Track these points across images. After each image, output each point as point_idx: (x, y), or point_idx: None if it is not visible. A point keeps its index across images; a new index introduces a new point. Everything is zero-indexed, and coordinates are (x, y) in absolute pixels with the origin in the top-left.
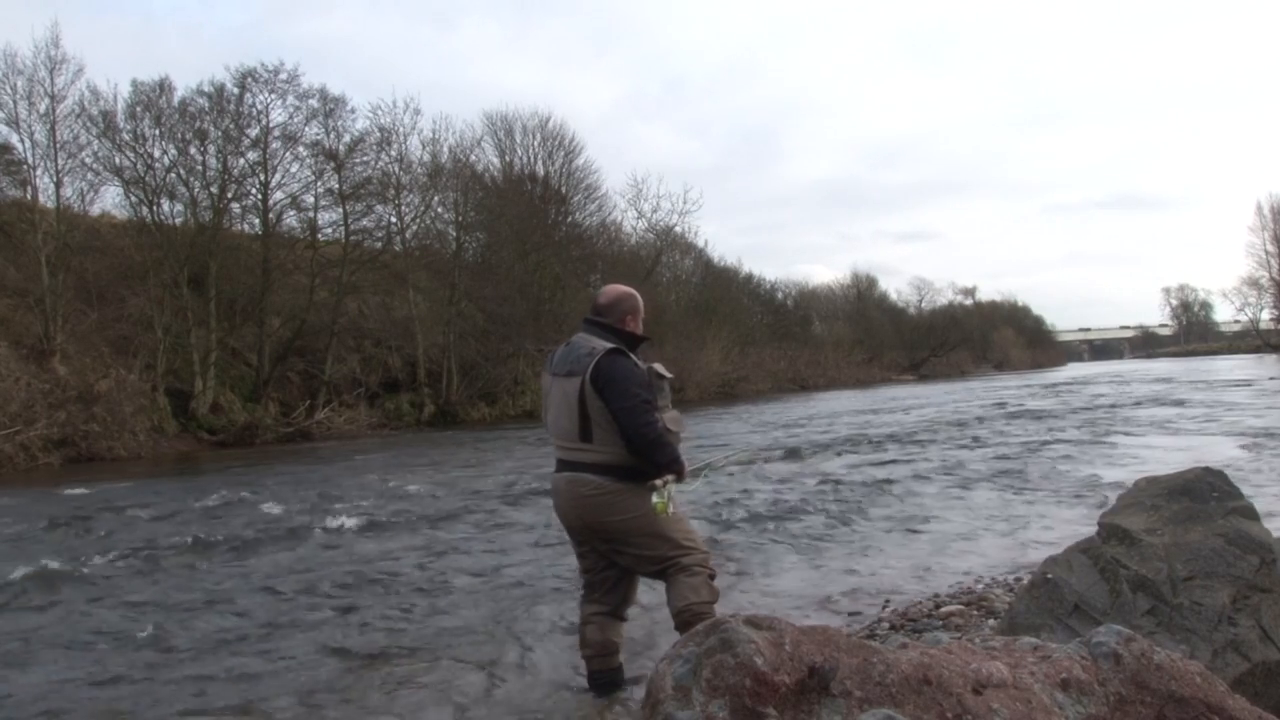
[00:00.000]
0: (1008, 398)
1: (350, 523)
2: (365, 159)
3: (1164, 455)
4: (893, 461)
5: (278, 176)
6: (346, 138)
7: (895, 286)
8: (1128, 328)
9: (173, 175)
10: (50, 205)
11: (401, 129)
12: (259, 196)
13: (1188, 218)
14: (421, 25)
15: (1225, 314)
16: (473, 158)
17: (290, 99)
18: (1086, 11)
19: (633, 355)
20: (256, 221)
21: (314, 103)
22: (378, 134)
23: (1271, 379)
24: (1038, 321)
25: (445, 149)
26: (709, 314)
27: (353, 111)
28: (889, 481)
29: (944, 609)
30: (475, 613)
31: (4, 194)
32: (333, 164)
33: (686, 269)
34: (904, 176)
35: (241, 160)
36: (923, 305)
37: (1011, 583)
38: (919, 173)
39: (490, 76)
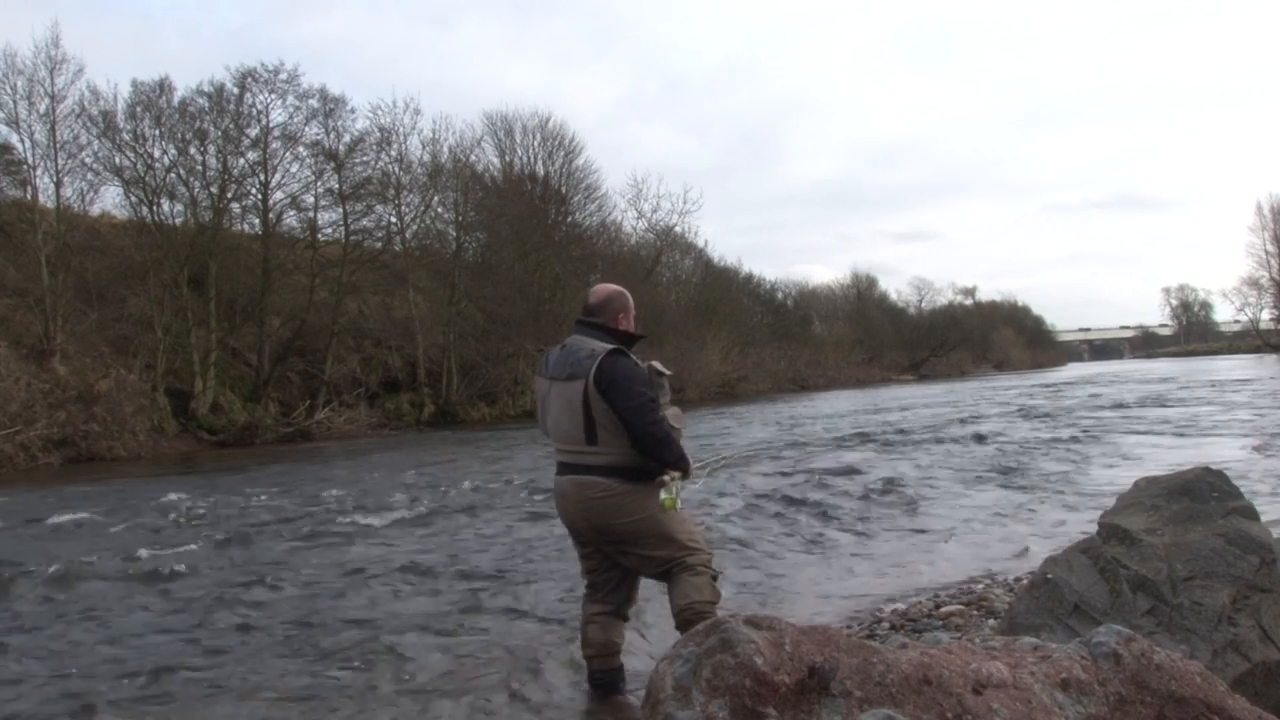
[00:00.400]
0: (1008, 398)
1: (349, 522)
2: (365, 159)
3: (1164, 455)
4: (893, 461)
5: (278, 176)
6: (346, 138)
7: (895, 286)
8: (1128, 328)
9: (173, 175)
10: (50, 205)
11: (401, 129)
12: (259, 196)
13: (1188, 218)
14: (420, 26)
15: (1225, 314)
16: (473, 158)
17: (290, 99)
18: (1086, 12)
19: (631, 355)
20: (256, 221)
21: (314, 103)
22: (378, 134)
23: (1272, 379)
24: (1038, 321)
25: (445, 149)
26: (709, 314)
27: (353, 111)
28: (889, 481)
29: (944, 609)
30: (475, 612)
31: (4, 194)
32: (333, 164)
33: (686, 269)
34: (903, 177)
35: (241, 160)
36: (923, 305)
37: (1011, 583)
38: (918, 173)
39: (489, 77)
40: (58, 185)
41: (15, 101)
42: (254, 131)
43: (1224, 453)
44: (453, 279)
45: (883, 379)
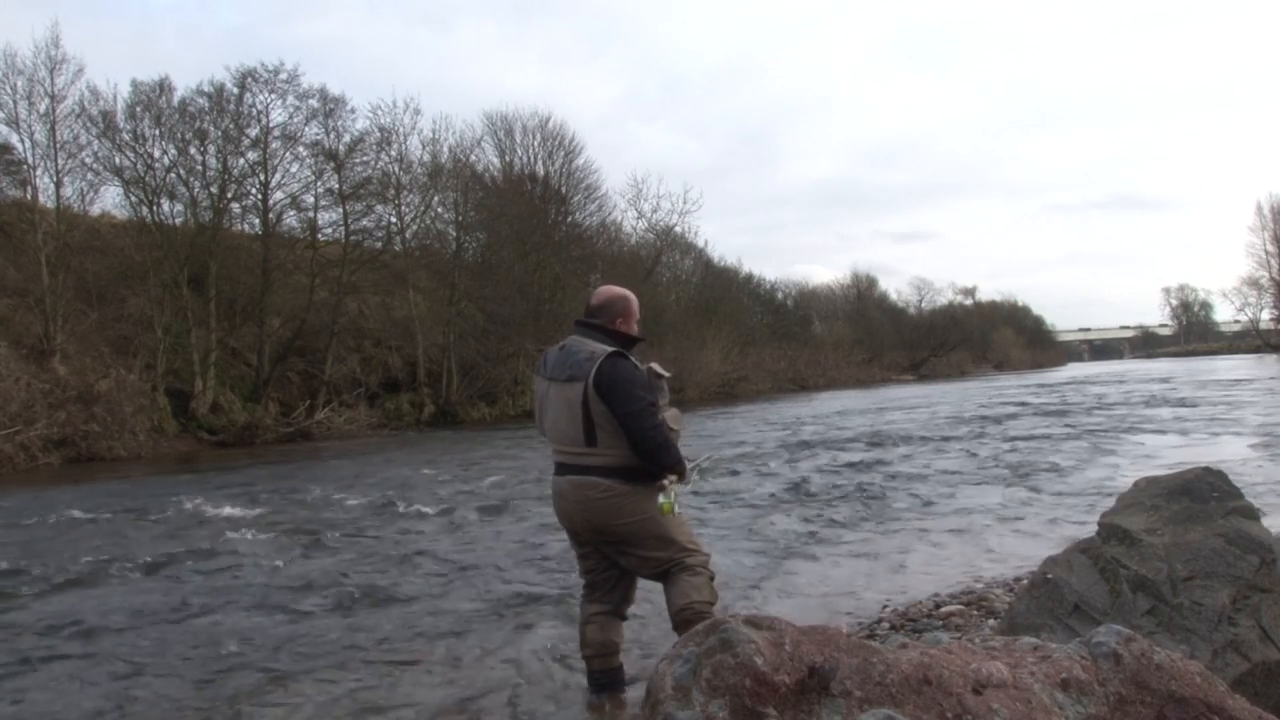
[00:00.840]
0: (1008, 398)
1: (348, 522)
2: (365, 159)
3: (1164, 455)
4: (892, 461)
5: (278, 176)
6: (346, 138)
7: (895, 286)
8: (1128, 328)
9: (173, 175)
10: (50, 205)
11: (401, 129)
12: (259, 196)
13: (1187, 218)
14: (418, 27)
15: (1225, 314)
16: (473, 158)
17: (290, 99)
18: (1085, 12)
19: (630, 357)
20: (256, 221)
21: (314, 103)
22: (378, 134)
23: (1271, 379)
24: (1038, 321)
25: (445, 149)
26: (709, 314)
27: (353, 111)
28: (888, 481)
29: (944, 609)
30: (474, 613)
31: (4, 194)
32: (333, 164)
33: (686, 269)
34: (903, 177)
35: (241, 160)
36: (923, 305)
37: (1011, 583)
38: (917, 173)
39: (488, 77)
40: (58, 185)
41: (15, 101)
42: (254, 131)
43: (1224, 452)
44: (453, 279)
45: (883, 379)
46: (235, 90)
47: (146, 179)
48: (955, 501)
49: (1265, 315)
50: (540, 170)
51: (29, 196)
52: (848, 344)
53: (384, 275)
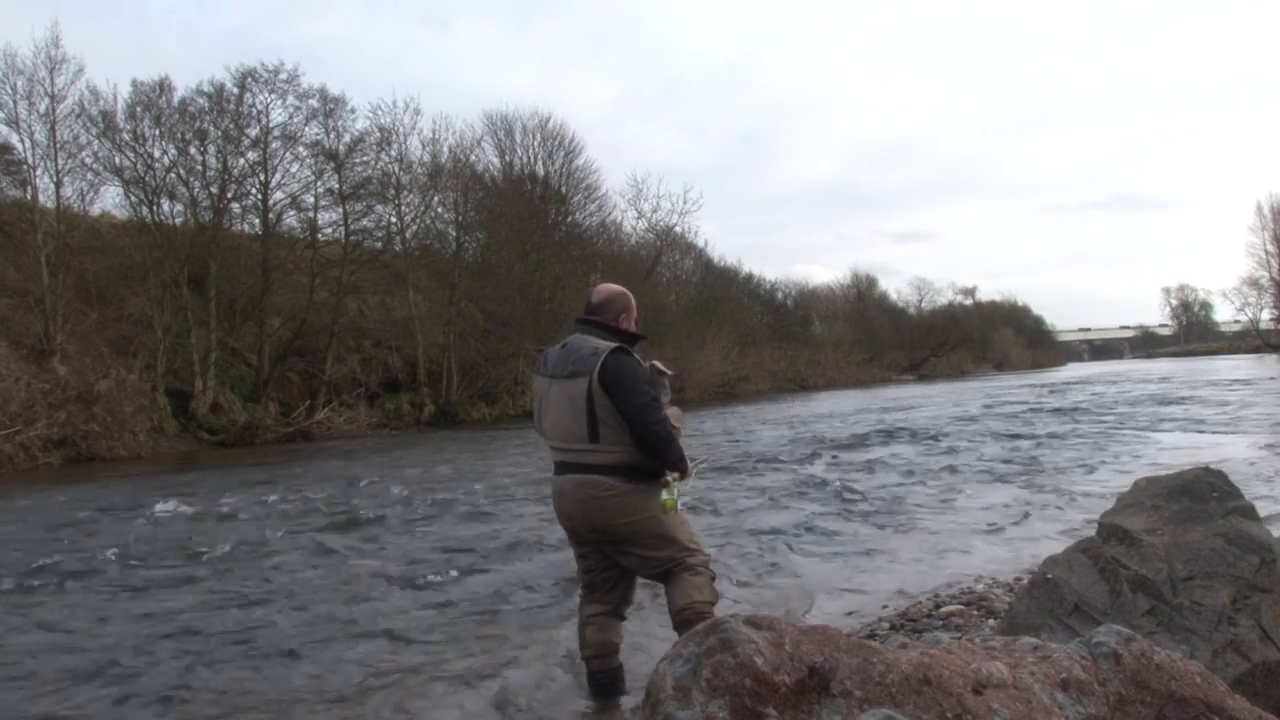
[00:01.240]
0: (1008, 398)
1: (348, 523)
2: (365, 159)
3: (1164, 455)
4: (892, 461)
5: (278, 176)
6: (346, 138)
7: (895, 286)
8: (1128, 328)
9: (173, 175)
10: (50, 205)
11: (401, 129)
12: (259, 196)
13: (1187, 218)
14: (417, 27)
15: (1225, 314)
16: (473, 158)
17: (290, 99)
18: (1083, 13)
19: (634, 353)
20: (256, 221)
21: (314, 103)
22: (378, 134)
23: (1271, 379)
24: (1038, 321)
25: (445, 149)
26: (709, 314)
27: (353, 111)
28: (889, 481)
29: (944, 609)
30: (473, 614)
31: (4, 194)
32: (333, 164)
33: (686, 269)
34: (901, 177)
35: (241, 160)
36: (923, 305)
37: (1011, 583)
38: (916, 173)
39: (487, 78)
40: (58, 185)
41: (15, 101)
42: (254, 131)
43: (1224, 452)
44: (453, 279)
45: (883, 379)
46: (235, 90)
47: (146, 179)
48: (955, 501)
49: (1265, 315)
50: (540, 170)
51: (29, 196)
52: (848, 344)
53: (384, 275)
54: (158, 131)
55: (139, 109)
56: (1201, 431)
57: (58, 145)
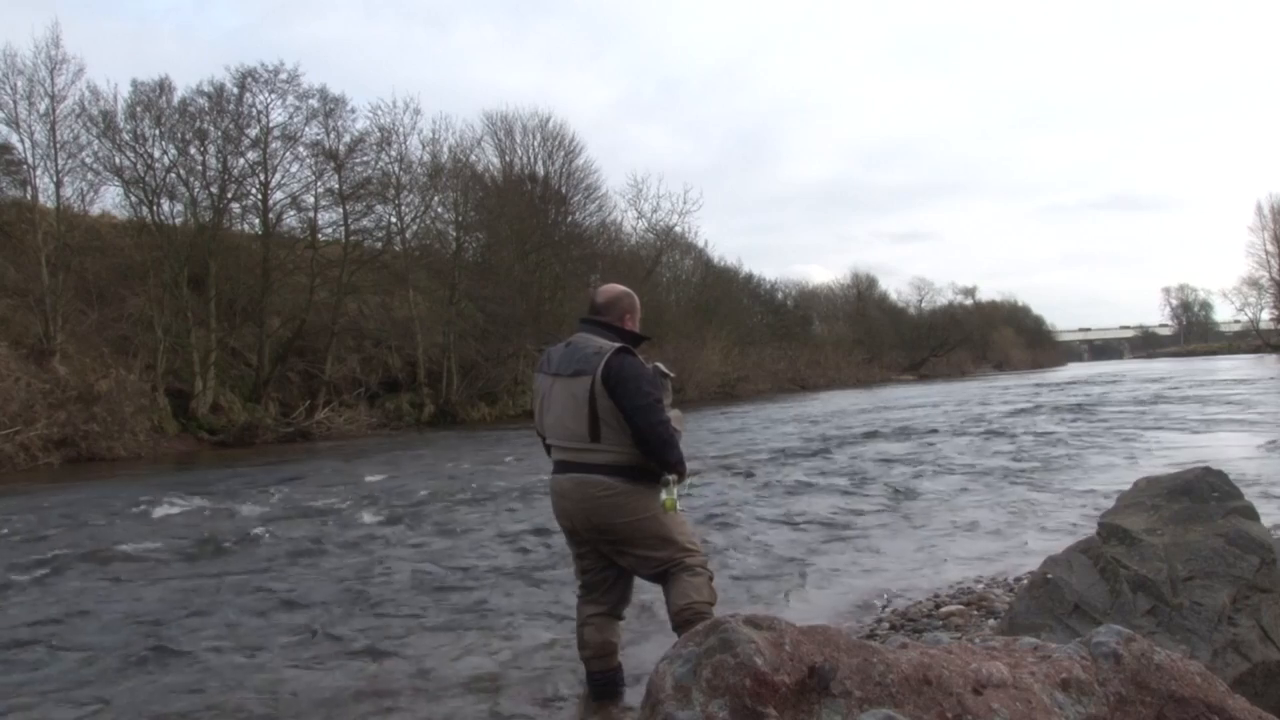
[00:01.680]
0: (1008, 397)
1: (348, 523)
2: (365, 159)
3: (1165, 454)
4: (893, 460)
5: (278, 176)
6: (346, 138)
7: (895, 287)
8: (1128, 328)
9: (173, 175)
10: (50, 205)
11: (401, 129)
12: (259, 196)
13: (1187, 218)
14: (416, 28)
15: (1225, 314)
16: (473, 158)
17: (290, 99)
18: (1082, 13)
19: (637, 354)
20: (256, 221)
21: (314, 103)
22: (378, 134)
23: (1271, 379)
24: (1038, 321)
25: (445, 149)
26: (709, 314)
27: (353, 111)
28: (888, 481)
29: (944, 609)
30: (473, 614)
31: (4, 194)
32: (333, 164)
33: (686, 269)
34: (901, 177)
35: (241, 160)
36: (922, 305)
37: (1011, 583)
38: (916, 174)
39: (486, 79)
40: (58, 185)
41: (15, 101)
42: (254, 131)
43: (1224, 452)
44: (453, 279)
45: (883, 379)
46: (235, 90)
47: (146, 179)
48: (955, 501)
49: (1265, 315)
50: (540, 170)
51: (29, 196)
52: (848, 344)
53: (384, 275)
54: (158, 131)
55: (139, 109)
56: (1201, 431)
57: (58, 145)
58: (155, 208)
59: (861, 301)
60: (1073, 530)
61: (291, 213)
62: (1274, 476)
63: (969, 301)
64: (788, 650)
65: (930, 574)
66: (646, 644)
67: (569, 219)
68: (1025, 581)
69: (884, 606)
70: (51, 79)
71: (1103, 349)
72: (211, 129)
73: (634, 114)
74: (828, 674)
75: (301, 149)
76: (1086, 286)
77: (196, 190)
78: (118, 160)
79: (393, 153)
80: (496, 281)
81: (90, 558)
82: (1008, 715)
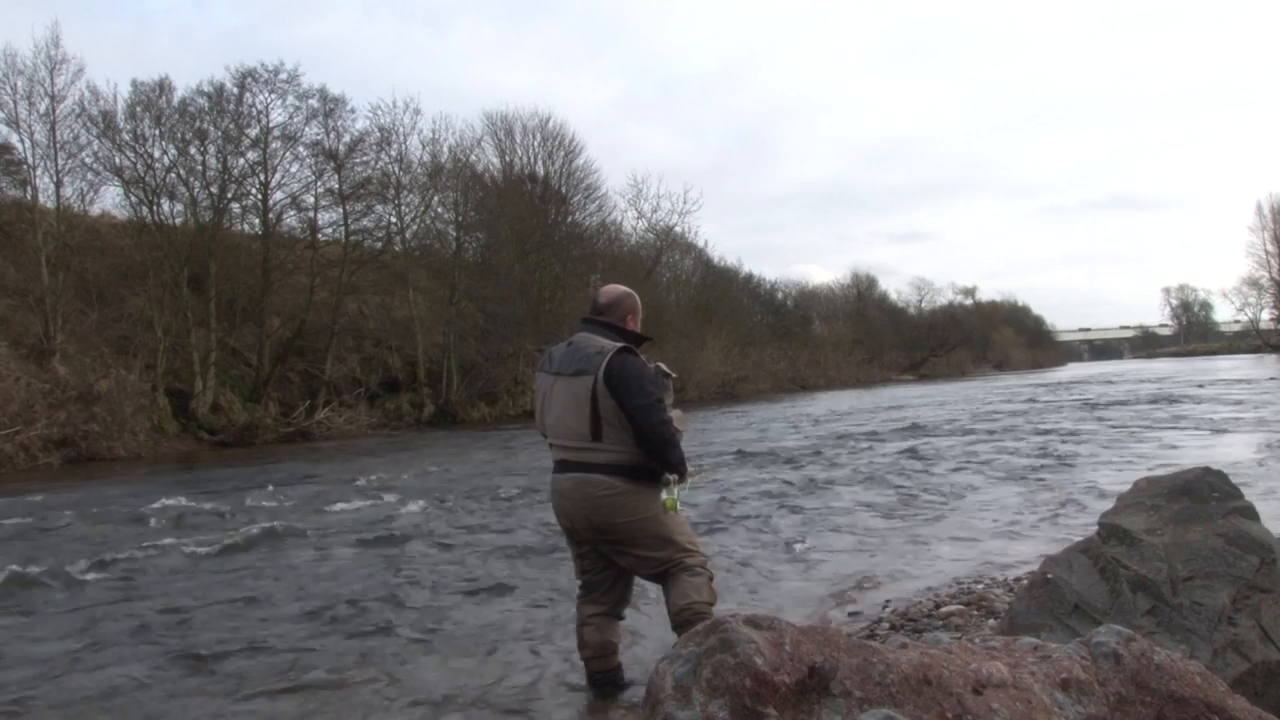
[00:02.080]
0: (1008, 397)
1: (347, 523)
2: (365, 159)
3: (1165, 455)
4: (892, 460)
5: (278, 176)
6: (346, 138)
7: (895, 287)
8: (1128, 328)
9: (173, 175)
10: (50, 205)
11: (401, 129)
12: (259, 196)
13: (1187, 218)
14: (415, 29)
15: (1225, 314)
16: (473, 158)
17: (290, 99)
18: (1082, 13)
19: (639, 354)
20: (256, 221)
21: (314, 103)
22: (377, 134)
23: (1271, 379)
24: (1038, 321)
25: (445, 149)
26: (709, 314)
27: (352, 111)
28: (888, 480)
29: (944, 609)
30: (472, 615)
31: (4, 194)
32: (333, 164)
33: (686, 269)
34: (900, 177)
35: (241, 160)
36: (922, 305)
37: (1011, 583)
38: (916, 173)
39: (485, 79)
40: (58, 185)
41: (15, 101)
42: (254, 131)
43: (1224, 452)
44: (453, 279)
45: (883, 379)
46: (235, 90)
47: (146, 179)
48: (955, 501)
49: (1265, 315)
50: (540, 170)
51: (29, 196)
52: (848, 344)
53: (384, 275)
54: (158, 131)
55: (139, 109)
56: (1201, 431)
57: (58, 145)
58: (155, 208)
59: (861, 301)
60: (1073, 530)
61: (291, 213)
62: (1274, 476)
63: (969, 301)
64: (788, 650)
65: (930, 574)
66: (646, 644)
67: (569, 219)
68: (1025, 581)
69: (884, 606)
70: (51, 79)
71: (1103, 349)
72: (211, 129)
73: (633, 114)
74: (828, 674)
75: (301, 149)
76: (1086, 286)
77: (196, 190)
78: (118, 160)
79: (393, 153)
80: (496, 281)
81: (99, 566)
82: (1008, 715)
